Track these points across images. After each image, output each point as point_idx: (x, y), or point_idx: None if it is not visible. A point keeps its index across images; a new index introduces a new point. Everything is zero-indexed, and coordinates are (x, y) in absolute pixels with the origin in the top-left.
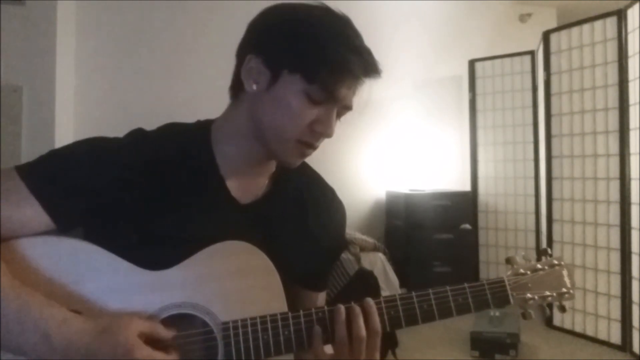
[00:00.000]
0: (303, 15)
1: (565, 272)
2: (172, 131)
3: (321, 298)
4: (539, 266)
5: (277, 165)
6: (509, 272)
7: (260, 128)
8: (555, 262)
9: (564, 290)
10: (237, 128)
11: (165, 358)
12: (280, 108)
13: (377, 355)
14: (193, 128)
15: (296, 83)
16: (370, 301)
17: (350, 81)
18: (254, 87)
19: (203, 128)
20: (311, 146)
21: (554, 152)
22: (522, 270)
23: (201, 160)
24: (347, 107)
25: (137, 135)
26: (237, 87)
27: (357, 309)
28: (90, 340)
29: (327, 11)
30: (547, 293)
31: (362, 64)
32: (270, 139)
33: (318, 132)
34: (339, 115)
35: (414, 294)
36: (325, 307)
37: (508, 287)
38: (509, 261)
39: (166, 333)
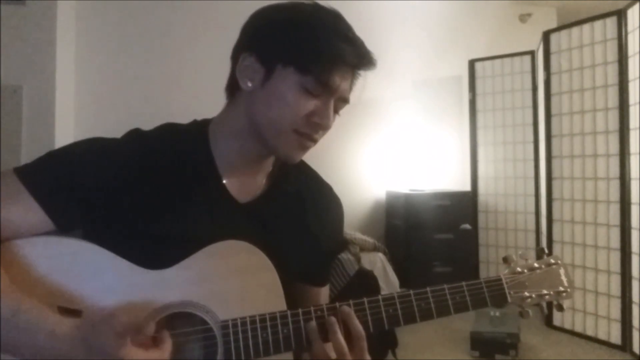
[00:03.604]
0: (293, 11)
1: (562, 271)
2: (170, 131)
3: (324, 292)
4: (536, 265)
5: (275, 164)
6: (506, 271)
7: (257, 124)
8: (552, 261)
9: (561, 288)
10: (234, 127)
11: (150, 356)
12: (275, 101)
13: (367, 356)
14: (190, 128)
15: (290, 76)
16: (345, 308)
17: (343, 70)
18: (249, 84)
19: (200, 128)
20: (310, 138)
21: (554, 152)
22: (519, 269)
23: (199, 159)
24: (344, 100)
25: (135, 135)
26: (232, 87)
27: (332, 320)
28: (77, 352)
29: (317, 7)
30: (545, 291)
31: (355, 53)
32: (267, 132)
33: (315, 123)
34: (336, 109)
35: (412, 292)
36: (324, 306)
37: (505, 286)
38: (506, 260)
39: (150, 327)
